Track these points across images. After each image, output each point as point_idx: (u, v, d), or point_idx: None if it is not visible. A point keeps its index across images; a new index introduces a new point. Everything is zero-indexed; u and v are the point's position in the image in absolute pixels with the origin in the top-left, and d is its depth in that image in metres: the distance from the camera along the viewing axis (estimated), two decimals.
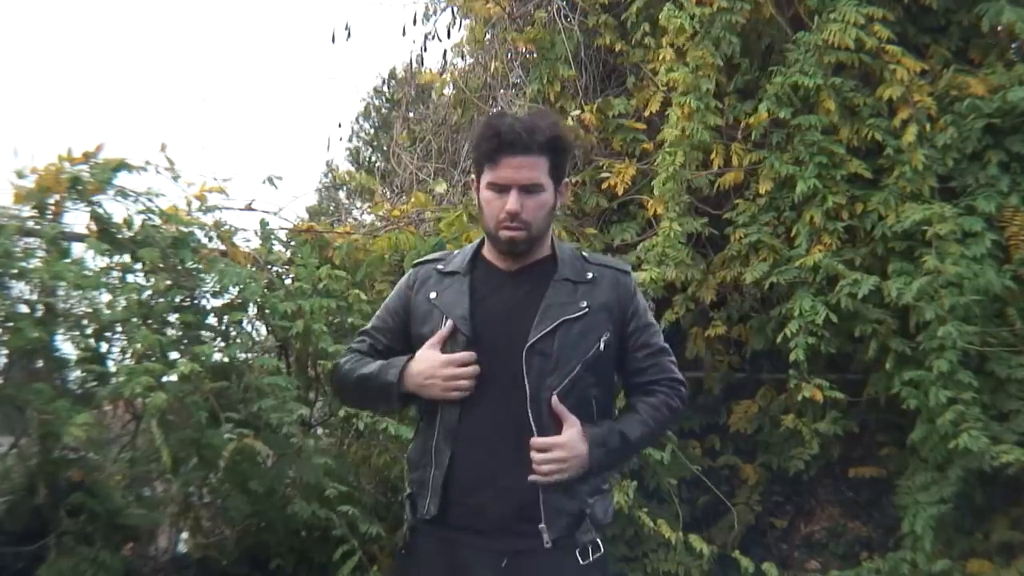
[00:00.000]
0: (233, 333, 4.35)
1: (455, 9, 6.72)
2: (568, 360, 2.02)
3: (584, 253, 2.19)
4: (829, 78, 5.18)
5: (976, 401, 4.69)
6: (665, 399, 2.18)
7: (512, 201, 2.01)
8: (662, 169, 5.13)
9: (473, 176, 2.18)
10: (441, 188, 5.72)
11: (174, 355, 4.04)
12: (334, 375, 2.28)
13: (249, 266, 4.51)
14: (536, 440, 1.98)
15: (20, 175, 3.98)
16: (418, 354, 2.07)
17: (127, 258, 4.15)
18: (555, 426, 2.01)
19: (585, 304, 2.07)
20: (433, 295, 2.12)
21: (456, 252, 2.24)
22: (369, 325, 2.28)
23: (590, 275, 2.12)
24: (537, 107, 5.40)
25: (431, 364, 2.03)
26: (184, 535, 4.59)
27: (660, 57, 5.35)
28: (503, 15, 6.19)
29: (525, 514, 1.98)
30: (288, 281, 4.56)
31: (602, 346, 2.06)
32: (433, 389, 2.02)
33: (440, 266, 2.18)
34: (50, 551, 3.81)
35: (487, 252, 2.16)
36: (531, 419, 2.00)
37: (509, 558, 1.96)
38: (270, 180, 4.77)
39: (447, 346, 2.06)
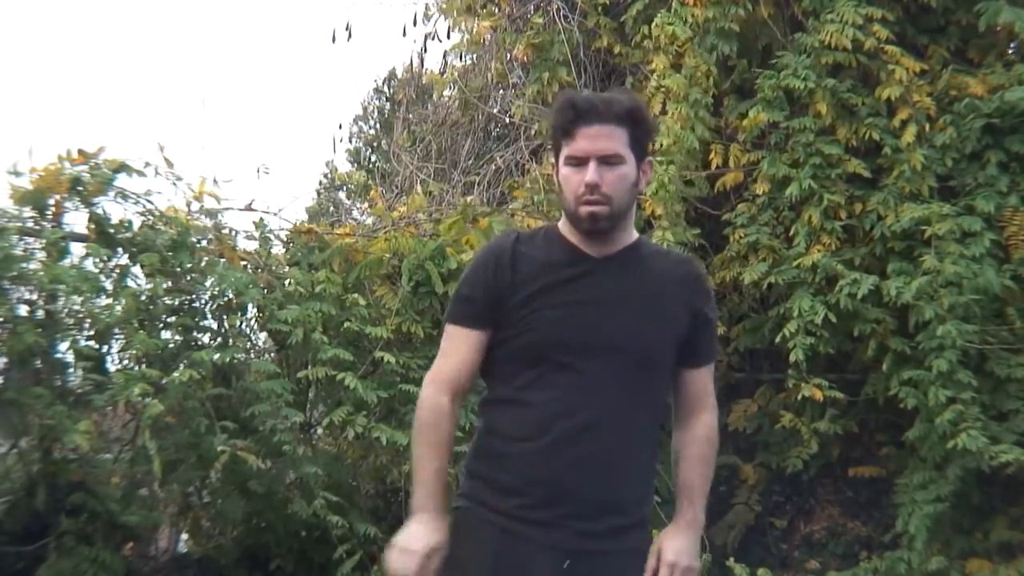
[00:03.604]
0: (232, 336, 4.35)
1: (456, 10, 6.72)
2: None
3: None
4: (823, 79, 5.18)
5: (975, 401, 4.69)
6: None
7: (591, 172, 1.92)
8: (654, 178, 5.12)
9: (552, 160, 2.08)
10: (435, 189, 5.72)
11: (174, 355, 4.06)
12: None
13: (248, 268, 4.51)
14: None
15: (17, 174, 3.98)
16: (433, 532, 2.01)
17: (126, 259, 4.16)
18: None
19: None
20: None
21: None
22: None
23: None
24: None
25: (426, 544, 1.99)
26: (184, 535, 4.60)
27: (653, 65, 5.35)
28: (503, 16, 6.21)
29: (598, 514, 1.95)
30: (287, 283, 4.56)
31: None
32: (406, 539, 2.00)
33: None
34: (50, 551, 3.81)
35: (570, 236, 2.03)
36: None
37: (572, 557, 1.93)
38: (261, 170, 4.79)
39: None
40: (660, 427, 2.09)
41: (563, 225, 2.06)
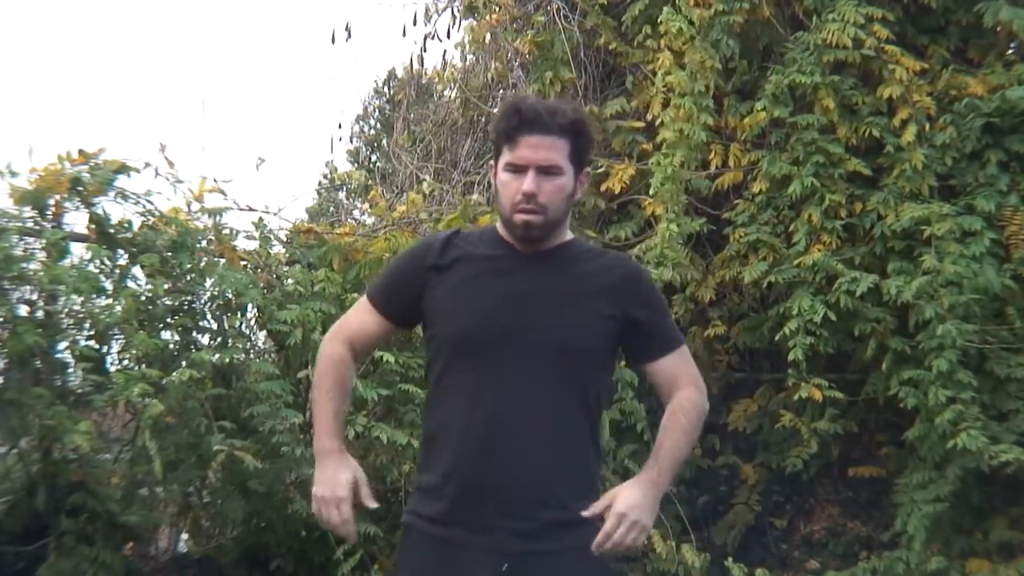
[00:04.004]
0: (231, 336, 4.35)
1: (455, 9, 6.72)
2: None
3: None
4: (827, 76, 5.19)
5: (975, 400, 4.70)
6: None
7: (528, 181, 1.95)
8: (659, 171, 5.12)
9: (492, 162, 2.09)
10: (427, 187, 5.72)
11: (174, 355, 4.06)
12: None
13: (248, 267, 4.51)
14: (598, 513, 1.92)
15: (13, 173, 3.98)
16: (338, 469, 2.00)
17: (126, 260, 4.16)
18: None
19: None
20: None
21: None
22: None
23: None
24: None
25: (334, 485, 1.98)
26: (184, 535, 4.60)
27: (658, 61, 5.34)
28: (505, 16, 6.21)
29: (529, 512, 1.93)
30: (288, 282, 4.57)
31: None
32: (316, 487, 2.00)
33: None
34: (50, 551, 3.81)
35: (504, 234, 2.08)
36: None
37: (510, 561, 1.91)
38: (258, 162, 4.81)
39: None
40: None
41: (500, 224, 2.10)
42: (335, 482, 1.99)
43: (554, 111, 1.98)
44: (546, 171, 1.97)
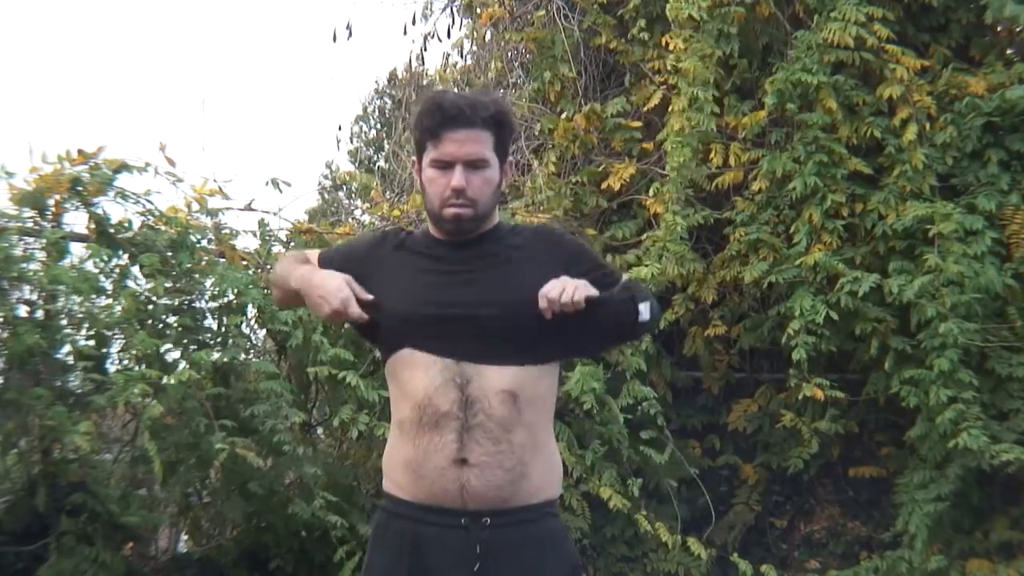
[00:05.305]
0: (231, 336, 4.35)
1: (455, 8, 6.72)
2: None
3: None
4: (830, 77, 5.18)
5: (976, 400, 4.69)
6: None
7: (457, 177, 1.96)
8: (671, 159, 5.07)
9: (414, 158, 2.08)
10: None
11: (174, 355, 4.06)
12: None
13: (249, 268, 4.51)
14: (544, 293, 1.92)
15: (10, 173, 3.98)
16: (326, 278, 2.01)
17: (126, 260, 4.16)
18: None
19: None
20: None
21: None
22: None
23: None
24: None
25: (335, 291, 1.98)
26: (184, 535, 4.60)
27: (672, 46, 5.26)
28: (504, 14, 6.20)
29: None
30: None
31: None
32: (313, 293, 2.00)
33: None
34: (51, 551, 3.82)
35: (435, 232, 2.09)
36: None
37: (482, 551, 1.91)
38: (275, 183, 4.74)
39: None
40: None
41: (430, 222, 2.11)
42: (333, 288, 1.98)
43: (475, 104, 1.98)
44: (472, 165, 1.97)
